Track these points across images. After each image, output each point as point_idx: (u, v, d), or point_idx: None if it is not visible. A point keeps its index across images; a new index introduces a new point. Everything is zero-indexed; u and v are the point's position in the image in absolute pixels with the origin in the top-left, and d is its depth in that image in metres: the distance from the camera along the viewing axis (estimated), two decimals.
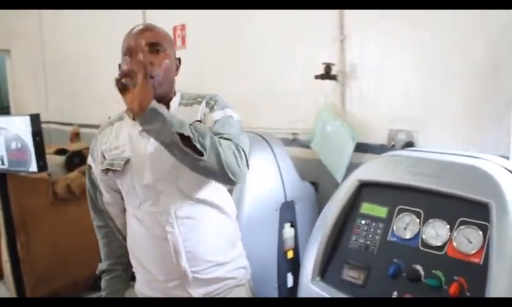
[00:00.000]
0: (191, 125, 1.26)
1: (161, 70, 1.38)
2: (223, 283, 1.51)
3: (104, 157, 1.49)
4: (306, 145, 2.71)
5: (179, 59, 1.52)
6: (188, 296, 1.46)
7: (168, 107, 1.43)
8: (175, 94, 1.50)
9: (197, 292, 1.46)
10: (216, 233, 1.50)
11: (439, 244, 1.45)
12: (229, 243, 1.56)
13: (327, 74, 2.51)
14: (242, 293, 1.58)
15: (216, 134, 1.33)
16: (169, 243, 1.41)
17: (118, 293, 1.62)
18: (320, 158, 2.59)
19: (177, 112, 1.42)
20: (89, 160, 1.57)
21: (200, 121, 1.41)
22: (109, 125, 1.53)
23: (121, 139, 1.47)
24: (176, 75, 1.49)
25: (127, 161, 1.42)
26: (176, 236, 1.42)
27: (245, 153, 1.36)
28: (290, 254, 2.34)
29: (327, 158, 2.58)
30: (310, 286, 1.63)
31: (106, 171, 1.47)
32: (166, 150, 1.27)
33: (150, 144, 1.40)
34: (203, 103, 1.47)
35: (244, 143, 1.40)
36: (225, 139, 1.33)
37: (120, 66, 1.48)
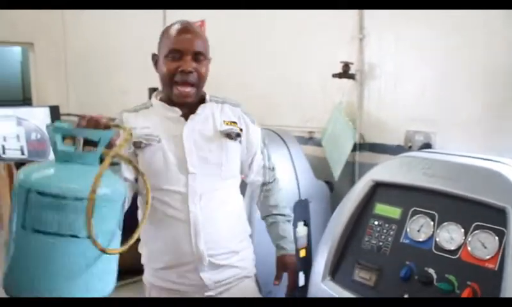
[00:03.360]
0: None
1: (199, 78, 1.47)
2: (234, 272, 1.56)
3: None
4: (321, 144, 2.69)
5: (210, 59, 1.56)
6: (200, 282, 1.49)
7: (201, 102, 1.54)
8: (203, 92, 1.59)
9: (209, 278, 1.50)
10: (234, 221, 1.58)
11: (453, 247, 1.42)
12: (244, 232, 1.63)
13: (345, 73, 2.49)
14: (251, 284, 1.64)
15: (269, 168, 1.69)
16: (191, 223, 1.46)
17: None
18: (326, 155, 2.59)
19: (210, 107, 1.55)
20: None
21: (235, 122, 1.56)
22: (134, 112, 1.55)
23: (153, 122, 1.51)
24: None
25: (160, 140, 1.47)
26: (198, 217, 1.46)
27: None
28: (302, 253, 2.33)
29: (330, 155, 2.58)
30: (320, 286, 1.62)
31: (139, 143, 1.47)
32: (200, 136, 1.48)
33: (186, 127, 1.48)
34: (241, 111, 1.60)
35: (274, 162, 1.74)
36: (273, 181, 1.72)
37: (153, 56, 1.53)
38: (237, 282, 1.58)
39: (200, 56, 1.46)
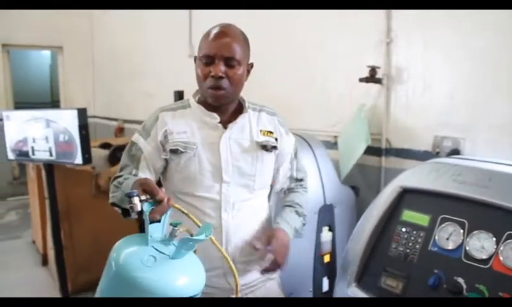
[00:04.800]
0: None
1: (231, 84, 1.44)
2: (258, 276, 1.56)
3: (166, 138, 1.49)
4: None
5: (251, 64, 1.55)
6: (227, 286, 1.50)
7: (239, 113, 1.53)
8: (239, 100, 1.57)
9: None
10: (263, 228, 1.58)
11: (484, 257, 1.38)
12: None
13: (372, 77, 2.46)
14: (275, 286, 1.65)
15: (297, 180, 1.68)
16: (223, 230, 1.47)
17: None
18: (339, 155, 2.57)
19: (248, 115, 1.54)
20: (136, 137, 1.52)
21: (271, 132, 1.56)
22: (171, 110, 1.54)
23: (190, 126, 1.49)
24: (246, 80, 1.53)
25: (197, 146, 1.47)
26: (229, 224, 1.47)
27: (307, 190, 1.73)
28: (326, 258, 2.31)
29: (342, 155, 2.55)
30: (346, 292, 1.60)
31: (175, 151, 1.46)
32: (236, 145, 1.48)
33: (224, 135, 1.47)
34: (277, 121, 1.59)
35: (307, 175, 1.74)
36: (303, 188, 1.70)
37: (195, 59, 1.51)
38: (261, 284, 1.58)
39: (232, 62, 1.43)
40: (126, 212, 1.32)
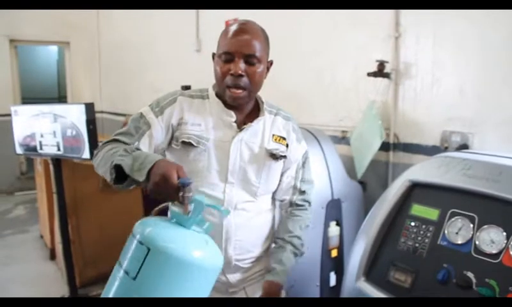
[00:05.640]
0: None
1: (251, 82, 1.41)
2: (258, 269, 1.56)
3: (180, 125, 1.46)
4: None
5: (271, 62, 1.52)
6: (226, 280, 1.51)
7: (256, 113, 1.51)
8: (257, 99, 1.55)
9: (234, 277, 1.52)
10: (265, 230, 1.56)
11: (494, 251, 1.37)
12: (272, 238, 1.61)
13: (380, 72, 2.45)
14: None
15: (300, 192, 1.59)
16: (223, 229, 1.45)
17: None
18: (352, 153, 2.56)
19: (263, 119, 1.51)
20: (147, 111, 1.44)
21: (284, 138, 1.53)
22: (189, 97, 1.50)
23: (206, 120, 1.47)
24: (265, 78, 1.50)
25: (208, 141, 1.45)
26: (231, 224, 1.46)
27: (311, 203, 1.64)
28: (334, 253, 2.31)
29: (356, 154, 2.54)
30: (355, 286, 1.59)
31: (188, 144, 1.43)
32: (246, 148, 1.46)
33: (236, 137, 1.45)
34: (291, 127, 1.56)
35: (313, 186, 1.64)
36: (302, 206, 1.60)
37: (213, 54, 1.48)
38: (260, 278, 1.56)
39: (252, 59, 1.39)
40: (119, 179, 1.26)
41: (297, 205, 1.60)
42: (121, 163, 1.22)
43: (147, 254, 1.03)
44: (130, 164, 1.22)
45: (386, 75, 2.47)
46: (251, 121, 1.47)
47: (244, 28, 1.41)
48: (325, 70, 2.93)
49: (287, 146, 1.53)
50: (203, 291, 1.11)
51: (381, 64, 2.45)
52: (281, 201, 1.61)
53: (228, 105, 1.46)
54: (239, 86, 1.39)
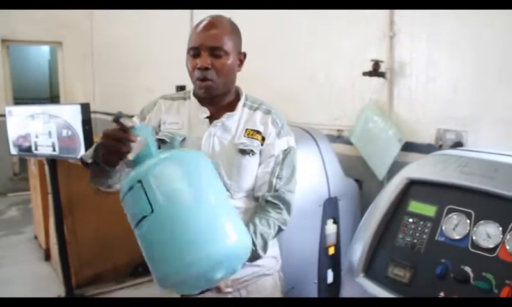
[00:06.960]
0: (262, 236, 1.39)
1: (218, 75, 1.42)
2: (252, 270, 1.51)
3: (159, 127, 1.50)
4: (350, 142, 2.69)
5: (244, 54, 1.52)
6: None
7: (234, 108, 1.49)
8: (238, 93, 1.54)
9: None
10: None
11: (490, 246, 1.40)
12: None
13: (375, 71, 2.48)
14: (269, 282, 1.58)
15: (275, 189, 1.46)
16: None
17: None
18: (362, 155, 2.58)
19: (239, 114, 1.49)
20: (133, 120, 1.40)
21: (259, 132, 1.47)
22: (171, 100, 1.55)
23: (182, 117, 1.51)
24: (239, 70, 1.51)
25: (184, 139, 1.46)
26: None
27: (290, 206, 1.48)
28: (331, 251, 2.33)
29: (369, 156, 2.56)
30: (354, 282, 1.62)
31: (163, 141, 1.46)
32: (218, 144, 1.45)
33: (206, 132, 1.46)
34: (270, 120, 1.50)
35: (294, 186, 1.51)
36: (276, 205, 1.45)
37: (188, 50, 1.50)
38: (255, 279, 1.53)
39: (218, 51, 1.40)
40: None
41: (271, 203, 1.46)
42: (82, 157, 1.38)
43: (143, 185, 1.12)
44: (88, 154, 1.36)
45: (381, 74, 2.50)
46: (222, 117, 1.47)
47: (210, 22, 1.44)
48: (320, 69, 2.96)
49: (263, 139, 1.47)
50: (209, 175, 1.24)
51: (376, 64, 2.48)
52: (257, 199, 1.50)
53: (204, 102, 1.48)
54: (206, 78, 1.41)
